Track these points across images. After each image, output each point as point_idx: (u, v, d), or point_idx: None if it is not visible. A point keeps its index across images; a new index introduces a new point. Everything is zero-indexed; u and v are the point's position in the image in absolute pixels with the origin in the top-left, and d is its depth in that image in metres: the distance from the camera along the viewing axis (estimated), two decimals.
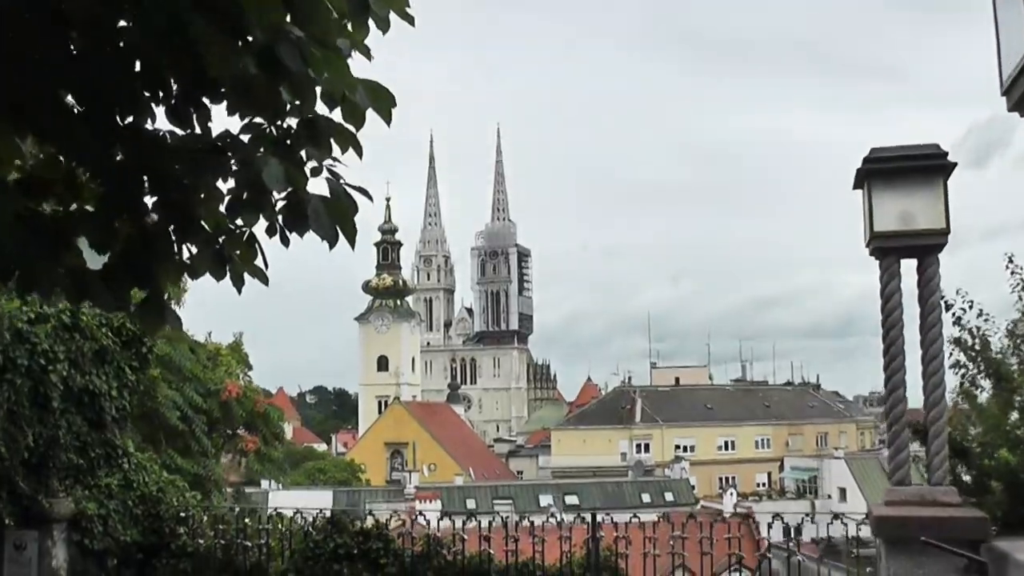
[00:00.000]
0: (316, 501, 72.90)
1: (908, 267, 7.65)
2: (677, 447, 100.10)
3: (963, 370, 13.87)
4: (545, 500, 77.22)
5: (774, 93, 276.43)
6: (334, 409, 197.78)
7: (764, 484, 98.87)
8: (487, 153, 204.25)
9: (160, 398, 13.50)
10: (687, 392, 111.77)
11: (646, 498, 79.97)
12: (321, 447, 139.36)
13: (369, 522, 12.00)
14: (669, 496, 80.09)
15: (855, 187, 7.77)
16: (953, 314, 13.35)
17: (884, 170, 7.59)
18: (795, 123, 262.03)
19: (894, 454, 8.05)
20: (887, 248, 7.65)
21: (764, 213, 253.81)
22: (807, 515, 11.20)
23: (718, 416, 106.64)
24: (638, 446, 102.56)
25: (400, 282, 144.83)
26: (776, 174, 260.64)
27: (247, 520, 12.27)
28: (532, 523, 11.43)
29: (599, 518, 11.71)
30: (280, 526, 12.22)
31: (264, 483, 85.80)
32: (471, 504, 76.77)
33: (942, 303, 8.77)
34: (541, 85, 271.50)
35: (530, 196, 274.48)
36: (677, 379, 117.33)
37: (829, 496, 79.25)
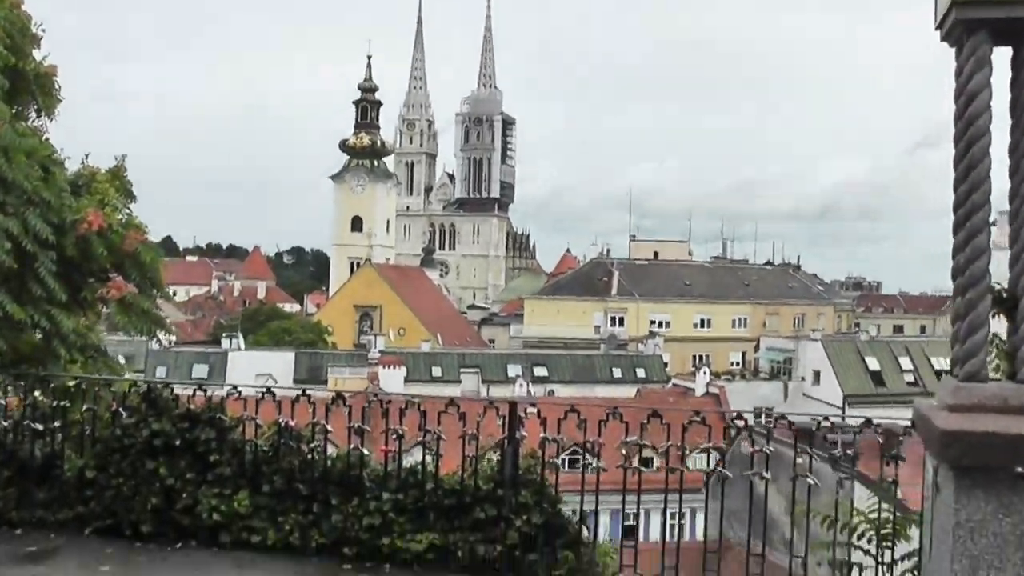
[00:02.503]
0: (277, 363, 71.06)
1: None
2: (652, 323, 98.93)
3: None
4: (513, 370, 75.91)
5: None
6: (311, 270, 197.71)
7: (738, 364, 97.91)
8: (477, 20, 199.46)
9: None
10: (665, 267, 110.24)
11: (617, 373, 78.86)
12: (294, 307, 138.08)
13: (199, 401, 8.72)
14: (641, 372, 78.96)
15: None
16: None
17: None
18: (785, 18, 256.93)
19: (967, 332, 5.23)
20: (975, 21, 4.91)
21: (750, 104, 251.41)
22: (819, 421, 7.98)
23: (695, 293, 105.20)
24: (613, 319, 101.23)
25: (378, 142, 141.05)
26: (764, 69, 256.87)
27: (37, 395, 8.97)
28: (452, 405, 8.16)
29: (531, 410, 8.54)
30: (87, 404, 8.92)
31: (224, 342, 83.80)
32: (436, 372, 75.13)
33: None
34: None
35: (517, 69, 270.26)
36: (656, 253, 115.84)
37: (803, 378, 78.22)
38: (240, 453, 8.71)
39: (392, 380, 64.20)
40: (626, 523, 7.91)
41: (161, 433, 8.73)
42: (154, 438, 8.73)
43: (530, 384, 67.76)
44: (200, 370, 72.19)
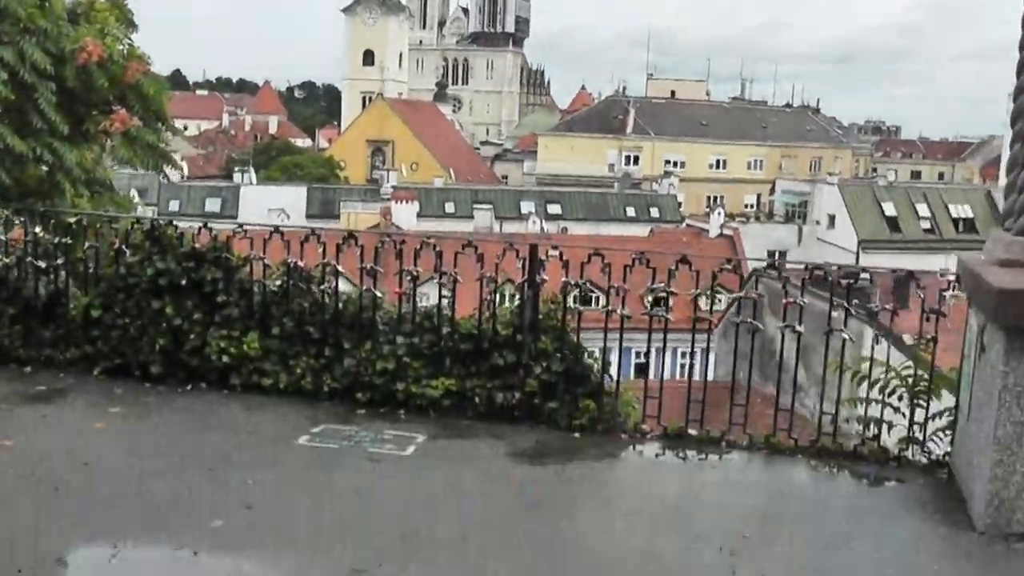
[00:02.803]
0: (289, 197, 70.62)
1: None
2: (667, 162, 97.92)
3: None
4: (527, 207, 75.45)
5: None
6: (323, 105, 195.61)
7: (752, 206, 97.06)
8: None
9: None
10: (682, 106, 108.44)
11: (631, 212, 78.41)
12: (306, 143, 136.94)
13: (204, 240, 8.37)
14: (655, 212, 78.48)
15: None
16: None
17: None
18: None
19: None
20: None
21: None
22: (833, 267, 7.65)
23: (712, 133, 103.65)
24: (627, 158, 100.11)
25: None
26: None
27: (39, 231, 8.63)
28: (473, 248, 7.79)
29: (551, 252, 8.20)
30: (89, 241, 8.58)
31: (236, 176, 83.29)
32: (450, 208, 74.72)
33: None
34: None
35: None
36: (673, 92, 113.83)
37: (818, 222, 77.54)
38: (248, 294, 8.40)
39: (405, 215, 63.95)
40: (638, 361, 7.65)
41: (166, 272, 8.40)
42: (159, 277, 8.41)
43: (543, 221, 67.33)
44: (212, 204, 72.12)
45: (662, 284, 7.49)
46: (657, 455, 7.38)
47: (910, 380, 7.29)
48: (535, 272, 7.81)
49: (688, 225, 72.62)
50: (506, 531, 5.84)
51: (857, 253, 70.04)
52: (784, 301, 7.28)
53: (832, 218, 76.07)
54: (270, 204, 64.95)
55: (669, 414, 7.53)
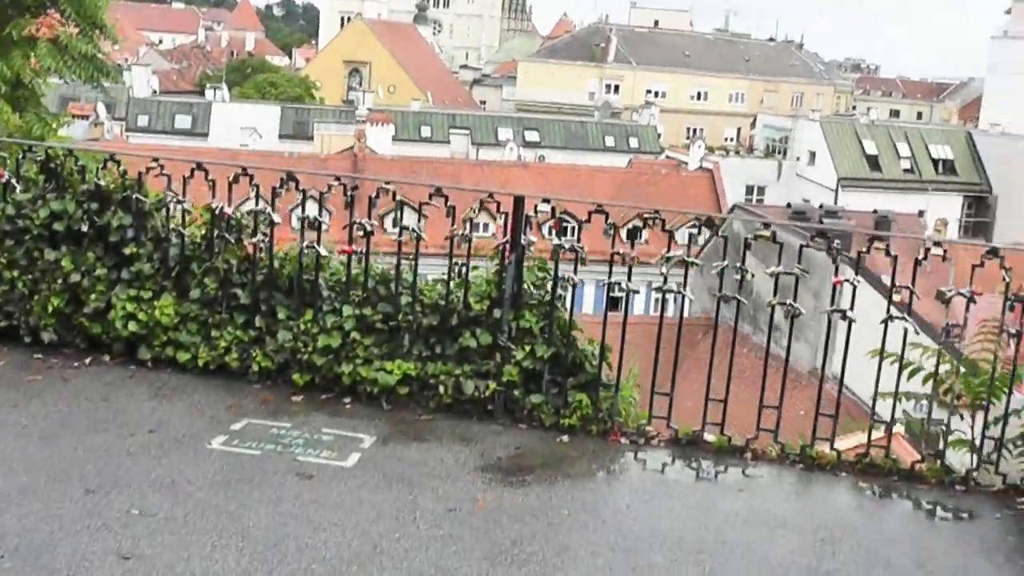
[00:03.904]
0: (262, 117, 69.08)
1: None
2: (648, 92, 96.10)
3: None
4: (504, 133, 74.20)
5: None
6: (301, 24, 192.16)
7: (732, 139, 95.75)
8: None
9: None
10: (665, 36, 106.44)
11: (610, 141, 77.41)
12: (283, 61, 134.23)
13: (108, 179, 6.73)
14: (634, 142, 77.22)
15: None
16: None
17: None
18: None
19: None
20: None
21: None
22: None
23: (694, 64, 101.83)
24: (608, 87, 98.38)
25: None
26: None
27: None
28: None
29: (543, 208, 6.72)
30: None
31: (208, 93, 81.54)
32: (425, 132, 73.50)
33: None
34: None
35: None
36: (656, 22, 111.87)
37: (798, 158, 76.31)
38: (163, 246, 6.78)
39: (380, 138, 62.25)
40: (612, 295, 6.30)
41: (63, 215, 6.77)
42: (54, 221, 6.78)
43: (521, 149, 65.91)
44: (183, 121, 69.95)
45: (679, 252, 5.96)
46: (665, 468, 5.90)
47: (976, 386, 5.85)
48: (519, 231, 6.24)
49: (668, 157, 71.22)
50: None
51: (836, 191, 68.98)
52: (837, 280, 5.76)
53: (813, 155, 74.90)
54: (242, 123, 63.15)
55: (645, 354, 6.00)
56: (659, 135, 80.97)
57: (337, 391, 6.39)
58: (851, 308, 5.83)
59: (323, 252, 6.53)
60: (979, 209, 68.25)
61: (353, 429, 5.93)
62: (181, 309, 6.64)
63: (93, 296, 6.75)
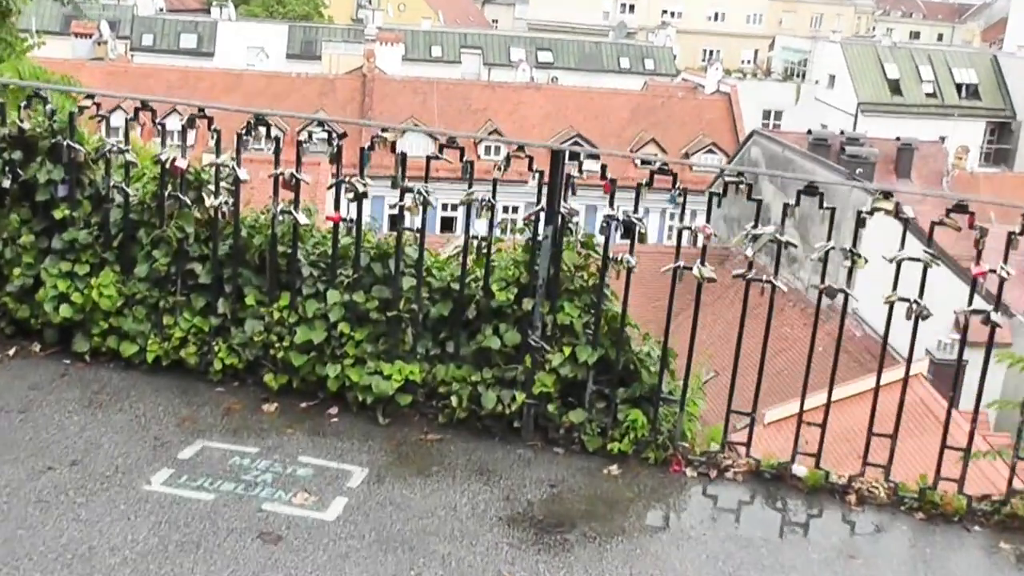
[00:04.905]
0: (269, 36, 67.74)
1: None
2: (664, 12, 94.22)
3: None
4: (517, 54, 72.99)
5: None
6: None
7: (749, 62, 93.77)
8: None
9: None
10: None
11: (624, 63, 76.10)
12: None
13: (35, 122, 5.29)
14: (649, 64, 75.72)
15: None
16: None
17: None
18: None
19: None
20: None
21: None
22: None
23: None
24: (622, 6, 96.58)
25: None
26: None
27: None
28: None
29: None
30: None
31: (214, 11, 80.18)
32: (436, 51, 72.35)
33: None
34: None
35: None
36: None
37: (817, 82, 74.35)
38: (103, 206, 5.35)
39: (390, 58, 60.77)
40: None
41: None
42: None
43: (533, 70, 64.38)
44: (188, 40, 68.32)
45: (770, 229, 4.54)
46: (744, 515, 4.53)
47: None
48: (557, 196, 4.79)
49: (684, 80, 69.45)
50: None
51: (856, 116, 67.23)
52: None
53: (832, 78, 72.95)
54: (249, 42, 61.83)
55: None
56: (675, 56, 79.66)
57: (320, 399, 5.00)
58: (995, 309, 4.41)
59: (303, 219, 5.09)
60: (1002, 135, 66.42)
61: (339, 457, 4.55)
62: (125, 289, 5.23)
63: (17, 270, 5.35)
